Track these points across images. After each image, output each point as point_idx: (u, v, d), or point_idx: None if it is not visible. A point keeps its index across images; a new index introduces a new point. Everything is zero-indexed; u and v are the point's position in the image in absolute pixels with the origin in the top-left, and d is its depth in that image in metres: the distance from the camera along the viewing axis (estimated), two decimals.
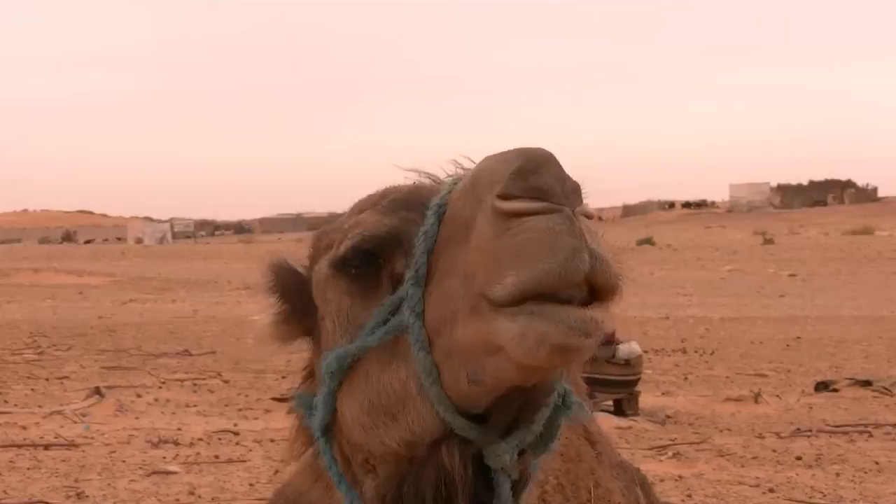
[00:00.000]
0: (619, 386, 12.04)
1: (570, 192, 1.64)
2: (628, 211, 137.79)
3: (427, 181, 2.00)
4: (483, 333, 1.66)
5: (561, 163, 1.66)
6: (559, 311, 1.59)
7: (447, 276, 1.73)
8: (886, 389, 13.93)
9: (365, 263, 1.89)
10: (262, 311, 2.10)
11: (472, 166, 1.83)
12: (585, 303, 1.63)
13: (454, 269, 1.72)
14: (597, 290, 1.63)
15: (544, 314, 1.59)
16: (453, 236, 1.73)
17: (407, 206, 1.88)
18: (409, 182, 2.01)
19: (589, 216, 1.66)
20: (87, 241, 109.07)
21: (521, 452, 1.81)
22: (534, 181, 1.62)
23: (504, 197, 1.63)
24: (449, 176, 1.97)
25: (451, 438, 1.77)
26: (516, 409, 1.75)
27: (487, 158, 1.71)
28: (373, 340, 1.83)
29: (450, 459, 1.77)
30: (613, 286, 1.64)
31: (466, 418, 1.75)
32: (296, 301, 2.06)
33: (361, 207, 1.99)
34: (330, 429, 1.96)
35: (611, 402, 12.22)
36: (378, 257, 1.88)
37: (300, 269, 2.09)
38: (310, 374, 2.09)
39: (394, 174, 2.06)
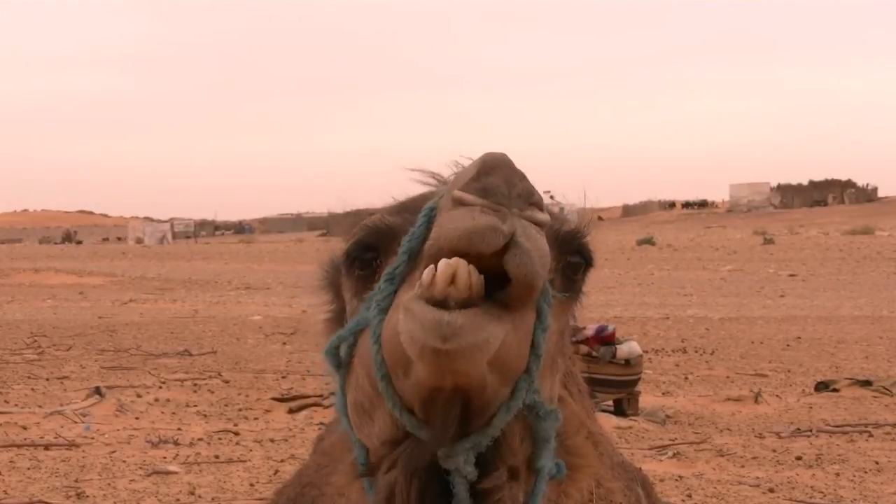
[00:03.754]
0: (619, 386, 12.05)
1: (517, 195, 1.66)
2: (628, 211, 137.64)
3: (431, 180, 2.03)
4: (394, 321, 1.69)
5: (516, 168, 1.69)
6: (423, 310, 1.61)
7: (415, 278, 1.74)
8: (886, 389, 13.92)
9: (366, 261, 1.94)
10: (316, 307, 2.15)
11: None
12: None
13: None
14: (512, 280, 1.64)
15: (413, 312, 1.62)
16: None
17: (411, 209, 1.91)
18: (415, 183, 2.05)
19: (540, 224, 1.67)
20: (79, 242, 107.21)
21: (489, 459, 1.78)
22: (483, 181, 1.66)
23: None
24: (449, 178, 1.99)
25: (408, 441, 1.76)
26: (458, 415, 1.73)
27: (468, 165, 1.75)
28: (345, 333, 1.86)
29: (390, 472, 1.78)
30: (529, 282, 1.64)
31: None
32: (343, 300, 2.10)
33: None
34: None
35: (611, 402, 12.23)
36: (377, 253, 1.93)
37: None
38: None
39: (394, 173, 2.08)
